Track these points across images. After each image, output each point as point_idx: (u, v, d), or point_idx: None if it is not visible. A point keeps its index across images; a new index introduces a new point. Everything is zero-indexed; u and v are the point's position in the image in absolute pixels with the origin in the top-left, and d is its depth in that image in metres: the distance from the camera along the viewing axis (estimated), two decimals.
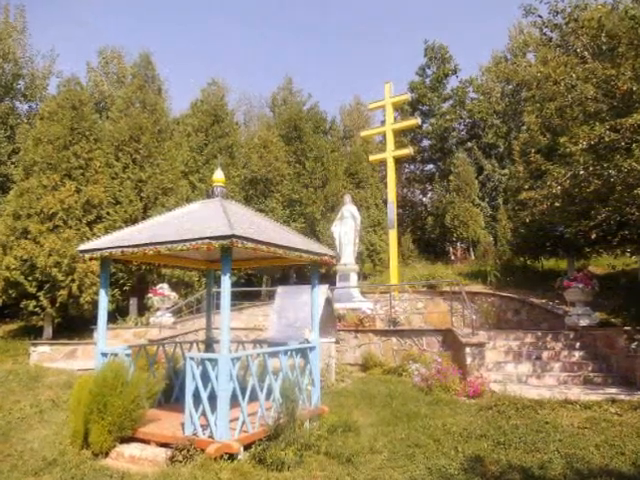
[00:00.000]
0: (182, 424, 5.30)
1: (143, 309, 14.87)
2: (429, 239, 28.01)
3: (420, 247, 26.30)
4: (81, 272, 13.81)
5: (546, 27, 10.39)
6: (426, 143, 31.68)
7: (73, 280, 13.72)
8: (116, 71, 29.24)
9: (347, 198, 15.32)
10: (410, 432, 6.02)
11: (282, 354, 5.99)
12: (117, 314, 14.75)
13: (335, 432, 5.87)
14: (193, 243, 5.01)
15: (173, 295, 13.60)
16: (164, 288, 13.42)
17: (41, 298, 13.59)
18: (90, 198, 14.88)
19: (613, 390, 7.97)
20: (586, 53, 9.33)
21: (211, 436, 5.05)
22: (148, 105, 18.09)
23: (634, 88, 8.10)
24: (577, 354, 9.57)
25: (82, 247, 5.98)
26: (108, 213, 15.78)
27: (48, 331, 14.22)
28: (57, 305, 13.78)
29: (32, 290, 13.55)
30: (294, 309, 8.90)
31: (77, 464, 5.12)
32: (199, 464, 4.74)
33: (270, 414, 5.56)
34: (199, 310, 15.34)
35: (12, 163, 20.67)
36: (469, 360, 8.60)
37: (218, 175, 6.47)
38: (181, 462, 4.85)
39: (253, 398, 5.46)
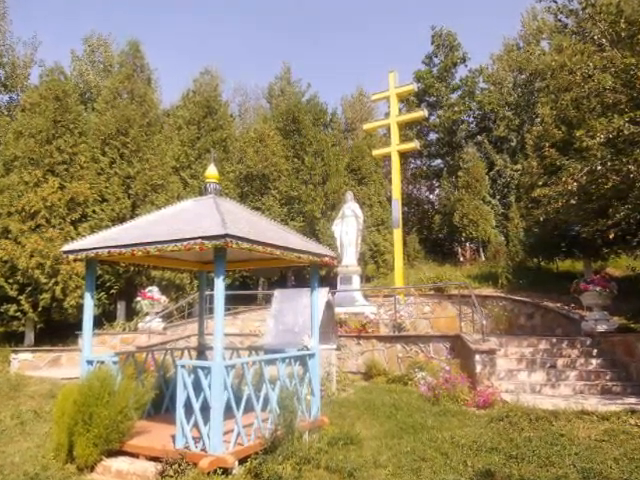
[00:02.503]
0: (173, 436, 5.29)
1: (131, 313, 14.88)
2: (436, 239, 28.06)
3: (427, 247, 26.32)
4: (65, 274, 13.81)
5: (561, 13, 10.45)
6: (433, 136, 31.72)
7: (57, 283, 13.72)
8: (102, 60, 29.25)
9: (349, 195, 15.37)
10: (416, 445, 6.02)
11: (280, 362, 5.99)
12: (103, 319, 14.76)
13: (336, 445, 5.86)
14: (184, 243, 5.01)
15: (163, 299, 13.62)
16: (153, 291, 13.43)
17: (22, 302, 13.59)
18: (75, 195, 14.87)
19: (633, 400, 7.96)
20: (604, 40, 9.34)
21: (204, 449, 5.05)
22: (136, 96, 18.10)
23: None
24: (594, 362, 9.57)
25: (66, 247, 5.98)
26: (94, 211, 15.78)
27: (30, 337, 14.22)
28: (39, 309, 13.78)
29: (13, 293, 13.56)
30: (292, 314, 8.91)
31: (61, 479, 5.11)
32: (191, 479, 4.74)
33: (267, 426, 5.55)
34: (191, 315, 15.37)
35: None
36: (479, 368, 8.61)
37: (211, 171, 6.46)
38: (172, 477, 4.85)
39: (249, 408, 5.46)
